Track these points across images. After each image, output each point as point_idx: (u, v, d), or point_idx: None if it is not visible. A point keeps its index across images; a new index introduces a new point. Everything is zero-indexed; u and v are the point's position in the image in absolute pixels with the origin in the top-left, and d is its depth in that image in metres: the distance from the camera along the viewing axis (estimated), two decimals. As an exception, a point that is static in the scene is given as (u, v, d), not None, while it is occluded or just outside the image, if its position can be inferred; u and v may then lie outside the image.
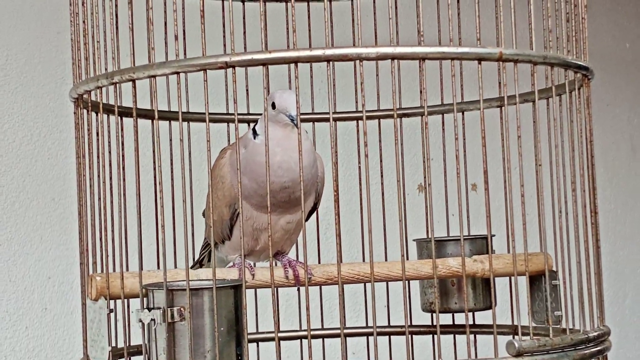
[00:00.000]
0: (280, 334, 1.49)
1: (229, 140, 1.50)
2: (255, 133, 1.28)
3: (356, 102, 1.56)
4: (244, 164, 1.24)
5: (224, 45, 1.49)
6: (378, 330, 1.50)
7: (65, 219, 2.00)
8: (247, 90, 1.52)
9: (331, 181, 1.15)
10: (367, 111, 1.52)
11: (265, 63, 1.06)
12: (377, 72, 1.51)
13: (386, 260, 1.49)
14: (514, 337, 1.11)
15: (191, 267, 1.44)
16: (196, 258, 1.48)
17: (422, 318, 1.52)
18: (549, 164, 1.23)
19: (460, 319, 1.52)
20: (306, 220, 1.33)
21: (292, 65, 1.07)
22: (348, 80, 1.48)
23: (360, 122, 1.52)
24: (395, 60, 1.07)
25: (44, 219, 1.99)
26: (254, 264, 1.40)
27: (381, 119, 1.54)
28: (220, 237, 1.35)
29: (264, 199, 1.23)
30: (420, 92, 1.48)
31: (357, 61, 1.06)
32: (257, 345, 1.52)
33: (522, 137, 1.13)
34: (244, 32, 1.52)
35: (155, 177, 1.36)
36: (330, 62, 1.06)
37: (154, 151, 1.33)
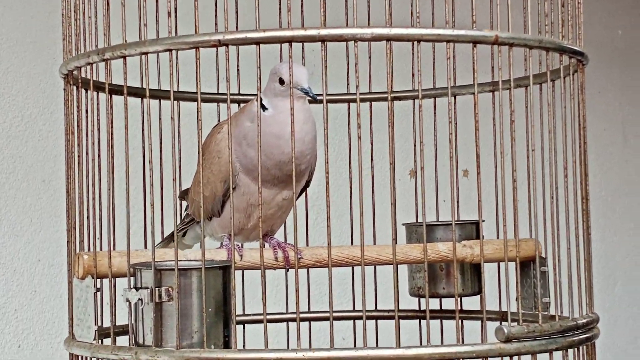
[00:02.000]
0: (267, 317, 1.48)
1: (219, 120, 1.48)
2: (264, 107, 1.26)
3: (347, 84, 1.55)
4: (251, 136, 1.23)
5: (216, 24, 1.48)
6: (366, 314, 1.50)
7: (55, 200, 1.98)
8: (237, 70, 1.50)
9: (323, 163, 1.14)
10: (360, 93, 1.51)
11: (259, 42, 1.05)
12: (370, 55, 1.49)
13: (375, 244, 1.48)
14: (501, 323, 1.11)
15: (159, 244, 1.42)
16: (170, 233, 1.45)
17: (409, 303, 1.52)
18: (540, 149, 1.22)
19: (447, 304, 1.51)
20: (296, 198, 1.32)
21: (285, 46, 1.06)
22: (338, 62, 1.46)
23: (351, 104, 1.51)
24: (390, 42, 1.06)
25: (34, 201, 1.97)
26: (242, 245, 1.39)
27: (372, 102, 1.52)
28: (209, 214, 1.34)
29: (269, 171, 1.23)
30: (413, 75, 1.49)
31: (352, 42, 1.05)
32: (244, 327, 1.51)
33: (515, 123, 1.12)
34: (236, 12, 1.50)
35: (144, 155, 1.35)
36: (324, 43, 1.05)
37: (143, 130, 1.32)
